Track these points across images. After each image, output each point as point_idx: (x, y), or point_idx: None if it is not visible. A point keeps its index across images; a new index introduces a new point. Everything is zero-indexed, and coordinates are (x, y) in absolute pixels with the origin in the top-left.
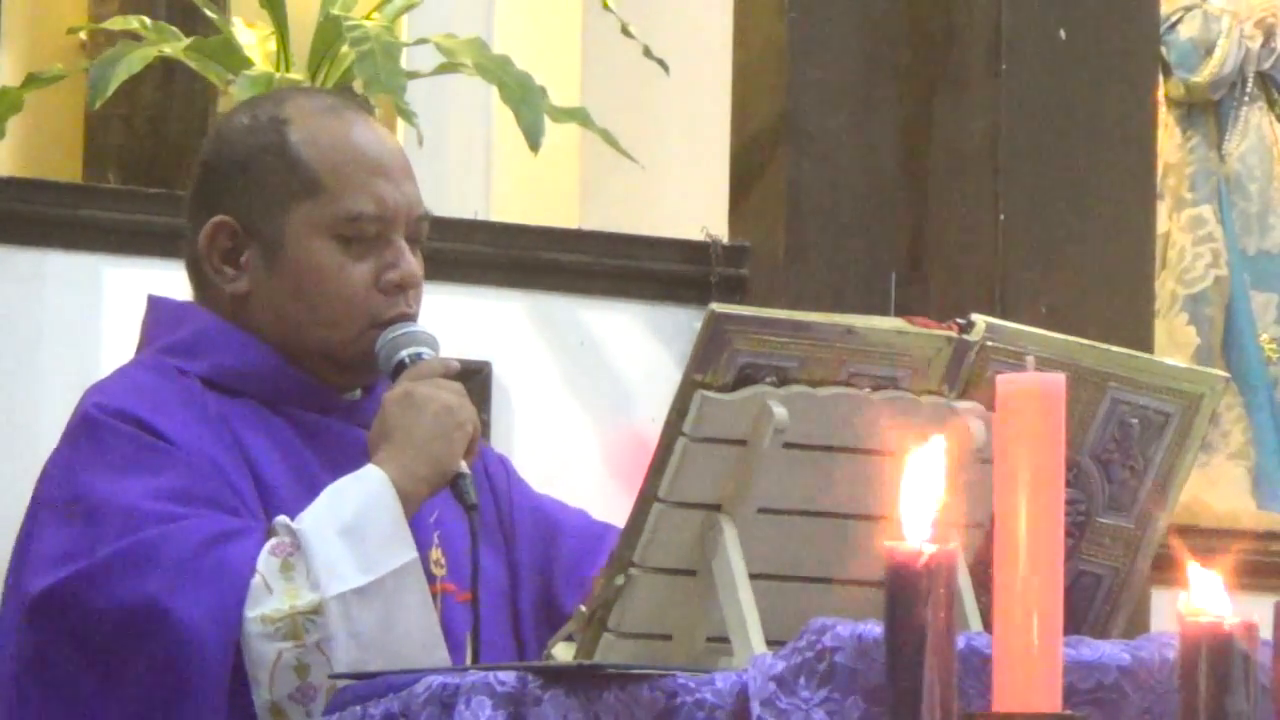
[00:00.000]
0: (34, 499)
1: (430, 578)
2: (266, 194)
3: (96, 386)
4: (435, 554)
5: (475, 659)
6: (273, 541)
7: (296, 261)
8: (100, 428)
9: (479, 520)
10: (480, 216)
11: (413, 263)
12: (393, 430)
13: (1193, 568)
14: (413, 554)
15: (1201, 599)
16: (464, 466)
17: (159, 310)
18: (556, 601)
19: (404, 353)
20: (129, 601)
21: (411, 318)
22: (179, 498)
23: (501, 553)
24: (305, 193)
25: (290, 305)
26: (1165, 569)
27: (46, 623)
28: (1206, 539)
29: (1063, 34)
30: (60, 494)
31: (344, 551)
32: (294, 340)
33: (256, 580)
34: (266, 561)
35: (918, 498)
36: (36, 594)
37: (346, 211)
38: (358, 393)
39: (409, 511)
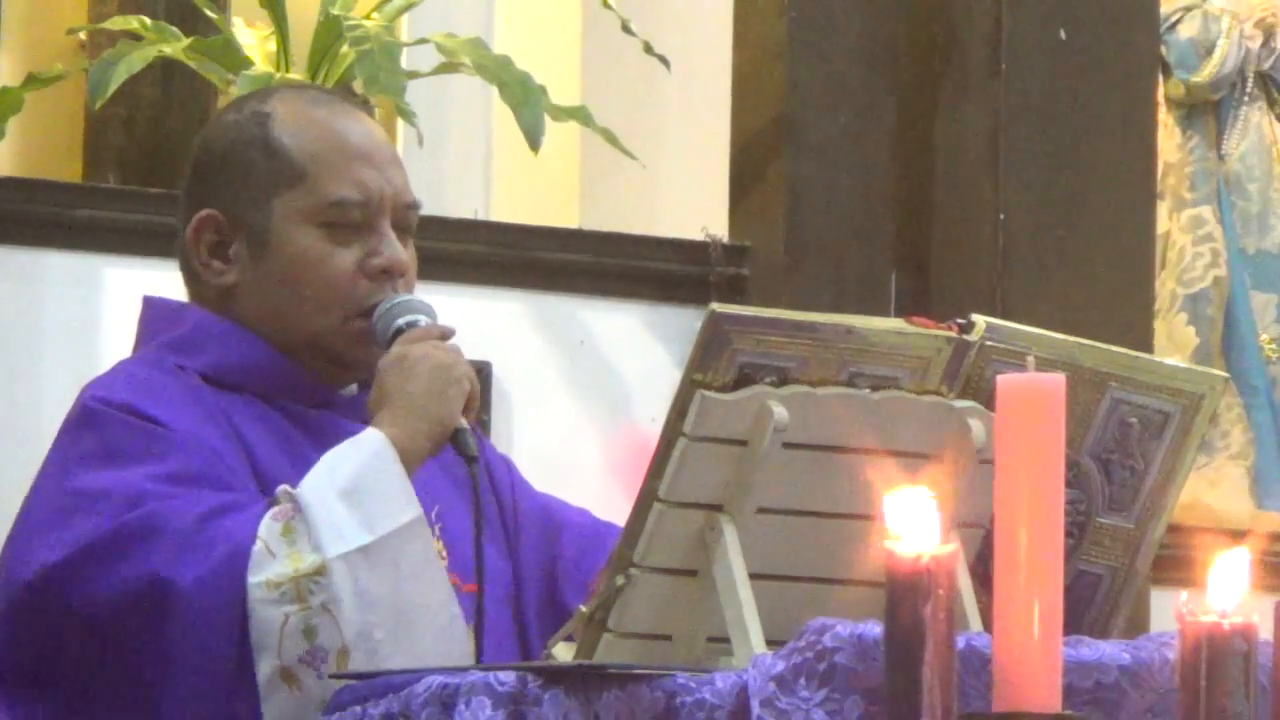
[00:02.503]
0: (30, 492)
1: None
2: (251, 185)
3: (94, 381)
4: (438, 546)
5: (479, 636)
6: (274, 509)
7: (282, 250)
8: (98, 418)
9: (479, 472)
10: (480, 216)
11: (399, 249)
12: (389, 393)
13: (1219, 556)
14: (417, 511)
15: (1220, 588)
16: (463, 421)
17: (155, 310)
18: (560, 600)
19: (400, 320)
20: (130, 577)
21: None
22: (179, 481)
23: (506, 551)
24: (288, 181)
25: (277, 295)
26: (1165, 569)
27: (47, 605)
28: (1207, 539)
29: (1063, 34)
30: (56, 485)
31: (345, 512)
32: (283, 331)
33: (258, 547)
34: (268, 527)
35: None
36: (31, 578)
37: (329, 198)
38: (354, 387)
39: (411, 470)
